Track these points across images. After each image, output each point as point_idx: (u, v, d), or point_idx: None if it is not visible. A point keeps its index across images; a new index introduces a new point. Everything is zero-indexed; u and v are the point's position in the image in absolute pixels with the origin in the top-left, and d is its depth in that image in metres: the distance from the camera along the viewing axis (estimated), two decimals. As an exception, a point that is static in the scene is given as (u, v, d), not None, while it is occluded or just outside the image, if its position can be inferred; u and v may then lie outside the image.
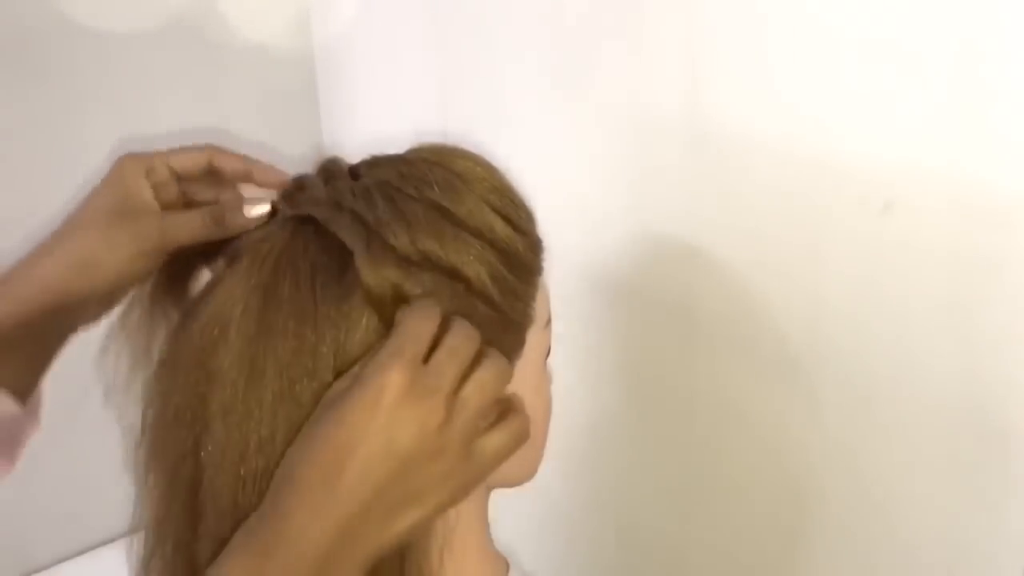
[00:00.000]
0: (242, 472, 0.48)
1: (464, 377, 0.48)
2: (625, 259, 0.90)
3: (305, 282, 0.49)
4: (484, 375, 0.48)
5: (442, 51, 1.02)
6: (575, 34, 0.89)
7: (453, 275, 0.51)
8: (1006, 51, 0.62)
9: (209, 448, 0.49)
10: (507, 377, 0.50)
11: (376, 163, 0.56)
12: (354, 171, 0.56)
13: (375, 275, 0.49)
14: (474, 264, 0.52)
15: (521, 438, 0.50)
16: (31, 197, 0.97)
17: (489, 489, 0.57)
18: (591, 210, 0.92)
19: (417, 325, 0.48)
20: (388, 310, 0.49)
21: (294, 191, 0.55)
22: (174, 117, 1.03)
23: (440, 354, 0.47)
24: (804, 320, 0.77)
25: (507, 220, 0.54)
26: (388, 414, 0.45)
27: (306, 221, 0.52)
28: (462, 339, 0.48)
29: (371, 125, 1.13)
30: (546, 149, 0.95)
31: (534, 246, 0.57)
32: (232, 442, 0.48)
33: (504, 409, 0.50)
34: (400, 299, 0.49)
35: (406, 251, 0.50)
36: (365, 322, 0.49)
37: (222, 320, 0.49)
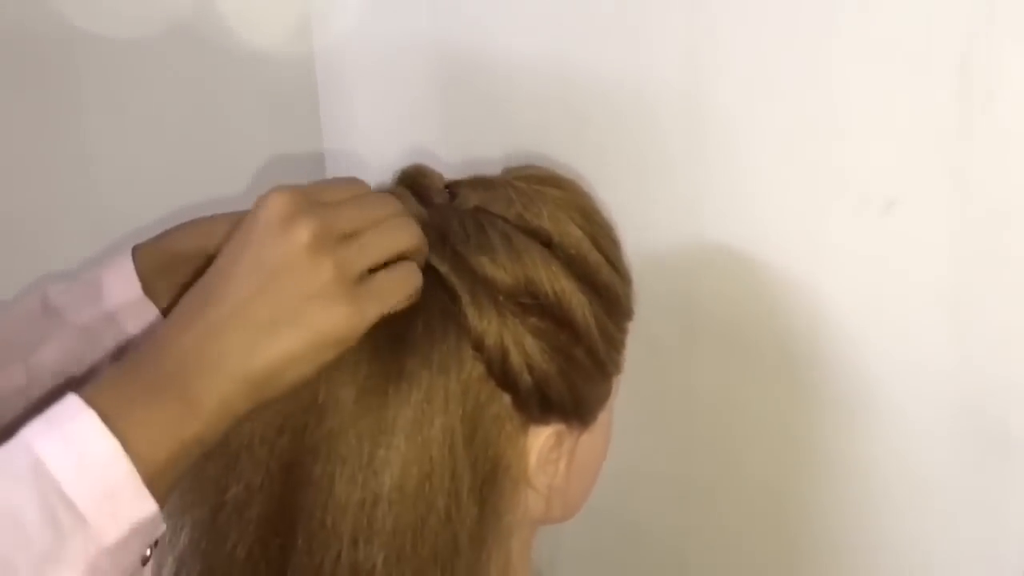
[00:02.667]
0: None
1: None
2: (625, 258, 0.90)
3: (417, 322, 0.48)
4: (385, 234, 0.47)
5: (443, 56, 1.02)
6: (576, 34, 0.89)
7: (560, 322, 0.50)
8: (1007, 49, 0.63)
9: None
10: (409, 243, 0.48)
11: (474, 185, 0.54)
12: (452, 190, 0.54)
13: (482, 323, 0.48)
14: (580, 310, 0.50)
15: (408, 285, 0.47)
16: (31, 201, 0.97)
17: (535, 526, 0.55)
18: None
19: (337, 187, 0.48)
20: (494, 360, 0.48)
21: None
22: (175, 121, 1.03)
23: (347, 204, 0.47)
24: (804, 319, 0.77)
25: (611, 263, 0.53)
26: (263, 231, 0.44)
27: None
28: (379, 204, 0.47)
29: (372, 130, 1.13)
30: (546, 149, 0.95)
31: (630, 291, 0.55)
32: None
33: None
34: (505, 352, 0.48)
35: (511, 292, 0.49)
36: (470, 368, 0.48)
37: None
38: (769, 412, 0.82)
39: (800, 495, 0.82)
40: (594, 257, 0.53)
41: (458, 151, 1.02)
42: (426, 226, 0.50)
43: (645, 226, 0.88)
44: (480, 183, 0.55)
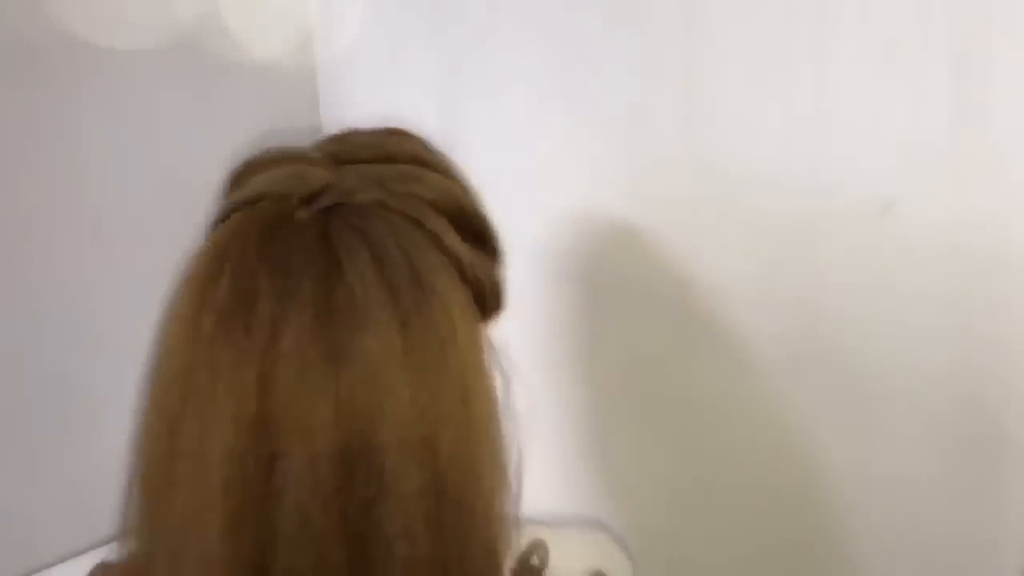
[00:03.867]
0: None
1: None
2: (625, 259, 0.90)
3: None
4: None
5: (444, 67, 1.02)
6: (574, 38, 0.89)
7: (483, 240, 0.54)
8: (1005, 50, 0.63)
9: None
10: None
11: (351, 149, 0.55)
12: (339, 158, 0.55)
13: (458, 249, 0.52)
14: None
15: None
16: (33, 209, 0.97)
17: None
18: (591, 211, 0.92)
19: None
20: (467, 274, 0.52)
21: (324, 189, 0.52)
22: (178, 133, 1.03)
23: None
24: (804, 320, 0.78)
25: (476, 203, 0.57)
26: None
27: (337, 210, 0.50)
28: None
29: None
30: (545, 149, 0.95)
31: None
32: None
33: None
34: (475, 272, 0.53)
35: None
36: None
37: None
38: (768, 412, 0.82)
39: (798, 495, 0.82)
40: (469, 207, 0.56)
41: (458, 151, 1.02)
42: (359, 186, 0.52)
43: (643, 227, 0.88)
44: (343, 140, 0.57)
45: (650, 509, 0.95)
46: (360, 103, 1.14)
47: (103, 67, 1.00)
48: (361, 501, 0.46)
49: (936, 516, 0.73)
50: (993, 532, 0.70)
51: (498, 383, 0.52)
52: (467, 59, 1.00)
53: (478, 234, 0.55)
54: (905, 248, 0.70)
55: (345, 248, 0.48)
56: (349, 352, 0.46)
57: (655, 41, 0.82)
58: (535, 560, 0.59)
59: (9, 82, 0.95)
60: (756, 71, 0.76)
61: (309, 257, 0.48)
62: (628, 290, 0.91)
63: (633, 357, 0.93)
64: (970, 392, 0.69)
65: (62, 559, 1.15)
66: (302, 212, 0.50)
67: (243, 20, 1.06)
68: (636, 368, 0.94)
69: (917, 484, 0.74)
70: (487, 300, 0.54)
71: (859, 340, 0.75)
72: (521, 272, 0.99)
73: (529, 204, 0.98)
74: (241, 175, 0.53)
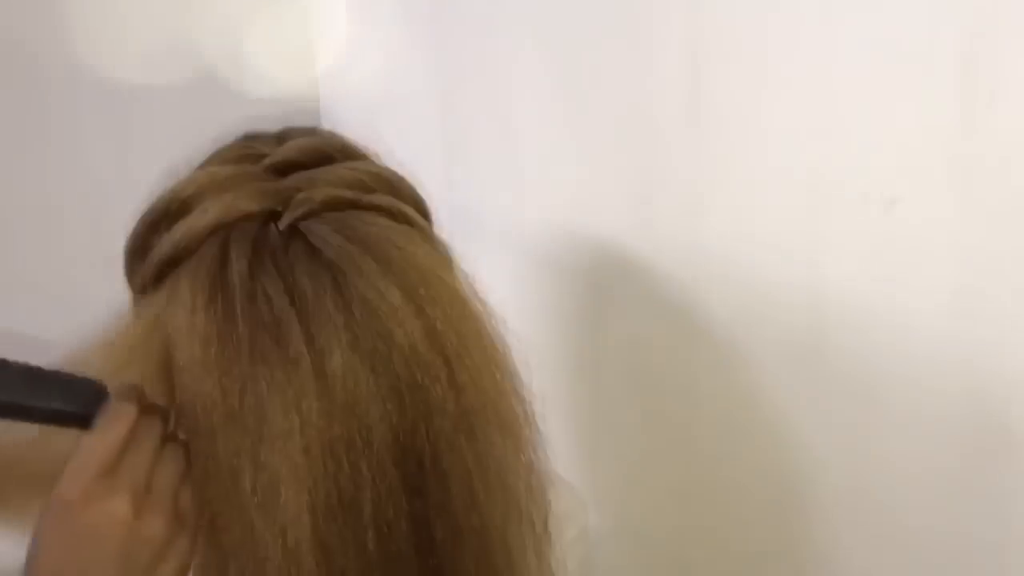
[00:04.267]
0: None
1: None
2: (625, 259, 0.90)
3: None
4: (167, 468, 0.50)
5: (445, 69, 1.03)
6: (576, 34, 0.89)
7: None
8: (1009, 48, 0.62)
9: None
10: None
11: (289, 157, 0.56)
12: (279, 168, 0.55)
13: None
14: None
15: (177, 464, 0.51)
16: (41, 238, 0.98)
17: None
18: (592, 211, 0.93)
19: (97, 440, 0.49)
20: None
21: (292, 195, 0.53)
22: (179, 156, 1.06)
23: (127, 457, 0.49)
24: (805, 319, 0.78)
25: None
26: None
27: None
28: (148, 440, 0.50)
29: (372, 130, 1.13)
30: (547, 148, 0.96)
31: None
32: None
33: None
34: None
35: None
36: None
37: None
38: (770, 411, 0.82)
39: (800, 494, 0.82)
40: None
41: (457, 152, 1.02)
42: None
43: (645, 226, 0.88)
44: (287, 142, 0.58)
45: (650, 509, 0.95)
46: (359, 119, 1.15)
47: (112, 100, 1.01)
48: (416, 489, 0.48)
49: (939, 516, 0.73)
50: (996, 532, 0.70)
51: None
52: (469, 48, 1.00)
53: (420, 205, 0.57)
54: (908, 247, 0.70)
55: (334, 250, 0.49)
56: (382, 346, 0.48)
57: (657, 40, 0.82)
58: None
59: (17, 108, 0.96)
60: (759, 69, 0.76)
61: (305, 268, 0.49)
62: (629, 290, 0.91)
63: (634, 356, 0.94)
64: (973, 391, 0.69)
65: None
66: (274, 228, 0.51)
67: (248, 57, 1.08)
68: (636, 367, 0.94)
69: (920, 483, 0.74)
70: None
71: (861, 339, 0.75)
72: (521, 271, 1.00)
73: (530, 203, 0.98)
74: (184, 203, 0.53)
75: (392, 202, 0.54)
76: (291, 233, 0.51)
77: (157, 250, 0.51)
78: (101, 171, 1.03)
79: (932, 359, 0.71)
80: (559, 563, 0.56)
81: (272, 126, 0.61)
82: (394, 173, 0.57)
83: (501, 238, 1.01)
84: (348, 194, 0.52)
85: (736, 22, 0.76)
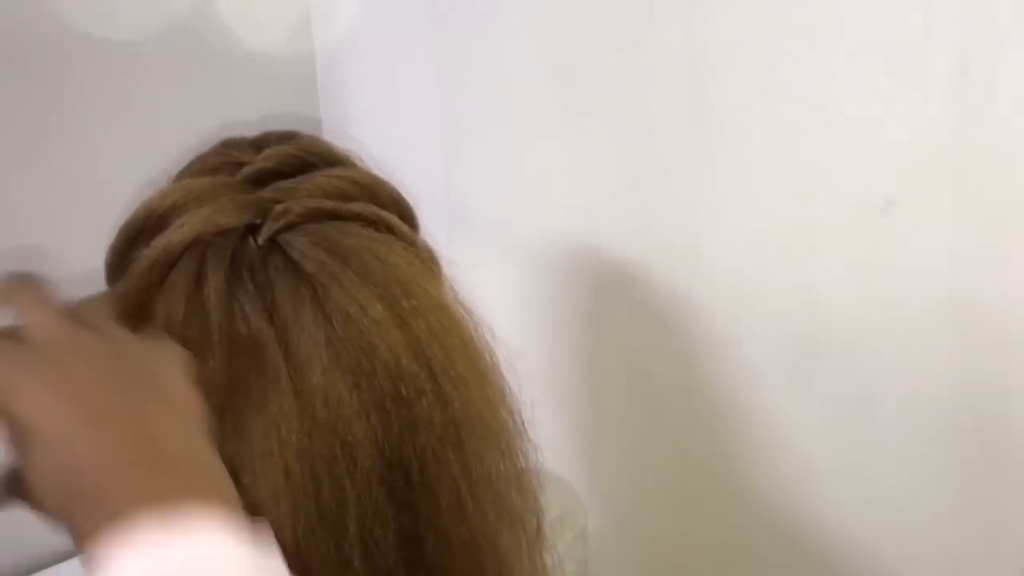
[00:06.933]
0: None
1: None
2: (625, 259, 0.90)
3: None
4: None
5: (443, 56, 1.03)
6: (576, 34, 0.89)
7: None
8: (1006, 49, 0.62)
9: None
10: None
11: (266, 167, 0.54)
12: (255, 177, 0.54)
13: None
14: None
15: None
16: (32, 201, 0.97)
17: None
18: (591, 210, 0.93)
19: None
20: None
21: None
22: (175, 122, 1.04)
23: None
24: (803, 320, 0.78)
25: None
26: None
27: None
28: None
29: (372, 129, 1.13)
30: (546, 148, 0.95)
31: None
32: None
33: None
34: None
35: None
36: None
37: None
38: (768, 413, 0.82)
39: (798, 496, 0.82)
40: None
41: (457, 152, 1.02)
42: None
43: (643, 226, 0.88)
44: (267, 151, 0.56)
45: (648, 510, 0.95)
46: (359, 92, 1.14)
47: (98, 58, 1.00)
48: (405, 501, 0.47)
49: (937, 516, 0.73)
50: (994, 534, 0.70)
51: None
52: (468, 47, 1.00)
53: (403, 211, 0.55)
54: (906, 247, 0.70)
55: (313, 264, 0.48)
56: (365, 360, 0.47)
57: (656, 43, 0.82)
58: None
59: (5, 73, 0.95)
60: (757, 73, 0.76)
61: (283, 283, 0.48)
62: (627, 291, 0.91)
63: (633, 357, 0.94)
64: (970, 392, 0.69)
65: (62, 559, 1.15)
66: (252, 242, 0.50)
67: (240, 8, 1.07)
68: (636, 368, 0.94)
69: (918, 485, 0.74)
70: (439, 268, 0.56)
71: (859, 340, 0.75)
72: (520, 273, 1.00)
73: (529, 206, 0.98)
74: (160, 217, 0.51)
75: (373, 210, 0.52)
76: (270, 247, 0.49)
77: (135, 266, 0.50)
78: (100, 142, 1.01)
79: (929, 361, 0.71)
80: (556, 565, 0.56)
81: (250, 129, 0.59)
82: (375, 178, 0.55)
83: (500, 239, 1.01)
84: (327, 204, 0.51)
85: (734, 26, 0.76)
